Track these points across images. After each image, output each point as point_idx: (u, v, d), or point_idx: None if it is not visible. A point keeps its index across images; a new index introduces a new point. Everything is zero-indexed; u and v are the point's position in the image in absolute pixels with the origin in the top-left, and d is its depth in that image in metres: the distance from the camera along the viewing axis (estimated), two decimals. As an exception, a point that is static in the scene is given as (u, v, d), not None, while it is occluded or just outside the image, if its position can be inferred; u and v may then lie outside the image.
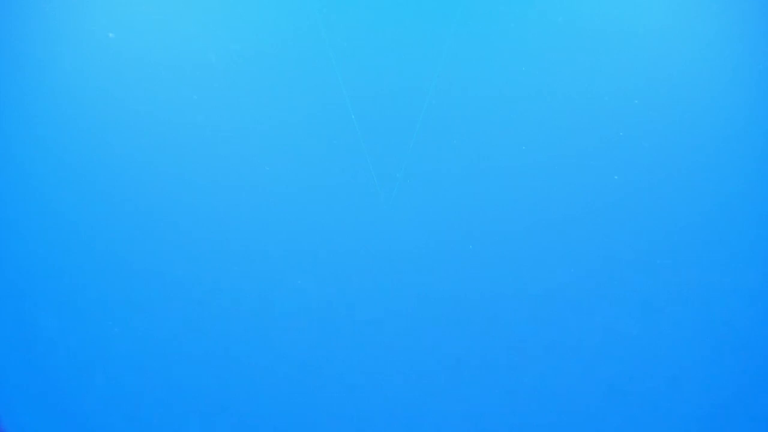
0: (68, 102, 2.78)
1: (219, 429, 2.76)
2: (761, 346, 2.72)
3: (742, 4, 2.74)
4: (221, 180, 2.79)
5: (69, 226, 2.77)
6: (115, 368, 2.76)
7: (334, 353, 2.77)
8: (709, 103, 2.74)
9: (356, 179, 2.78)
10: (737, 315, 2.72)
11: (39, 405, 2.75)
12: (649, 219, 2.75)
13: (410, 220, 2.78)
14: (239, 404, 2.76)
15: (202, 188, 2.78)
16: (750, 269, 2.72)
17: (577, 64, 2.76)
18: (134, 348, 2.77)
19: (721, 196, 2.73)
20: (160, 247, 2.77)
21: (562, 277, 2.75)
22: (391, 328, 2.77)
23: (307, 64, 2.79)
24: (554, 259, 2.76)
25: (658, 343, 2.73)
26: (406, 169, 2.78)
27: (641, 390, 2.73)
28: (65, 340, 2.76)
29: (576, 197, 2.76)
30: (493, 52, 2.78)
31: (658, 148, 2.75)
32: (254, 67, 2.79)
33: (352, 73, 2.78)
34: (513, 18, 2.78)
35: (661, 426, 2.72)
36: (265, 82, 2.79)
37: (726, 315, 2.72)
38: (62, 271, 2.77)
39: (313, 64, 2.78)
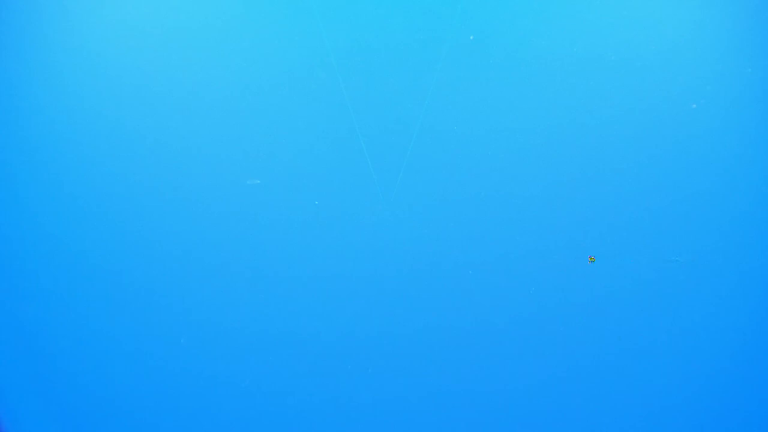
0: (68, 103, 2.79)
1: (218, 430, 2.76)
2: (760, 346, 2.73)
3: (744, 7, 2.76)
4: (219, 182, 2.79)
5: (70, 227, 2.77)
6: (115, 368, 2.76)
7: (333, 354, 2.77)
8: (711, 103, 2.76)
9: (356, 181, 2.79)
10: (740, 315, 2.73)
11: (39, 405, 2.75)
12: (650, 222, 2.75)
13: (411, 222, 2.78)
14: (239, 406, 2.76)
15: (200, 190, 2.78)
16: (751, 269, 2.73)
17: (576, 65, 2.76)
18: (135, 348, 2.76)
19: (722, 197, 2.74)
20: (162, 248, 2.77)
21: (562, 278, 2.75)
22: (390, 329, 2.77)
23: (307, 66, 2.80)
24: (556, 260, 2.76)
25: (661, 346, 2.73)
26: (406, 170, 2.79)
27: (647, 397, 2.73)
28: (65, 341, 2.76)
29: (577, 199, 2.76)
30: (492, 53, 2.78)
31: (658, 151, 2.75)
32: (254, 68, 2.79)
33: (353, 74, 2.79)
34: (512, 18, 2.79)
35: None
36: (264, 84, 2.80)
37: (728, 315, 2.73)
38: (63, 271, 2.77)
39: (313, 66, 2.79)
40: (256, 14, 2.81)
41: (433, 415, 2.75)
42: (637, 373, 2.73)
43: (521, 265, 2.76)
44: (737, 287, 2.72)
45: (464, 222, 2.78)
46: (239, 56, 2.79)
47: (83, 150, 2.79)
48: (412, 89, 2.79)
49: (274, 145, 2.79)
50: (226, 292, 2.77)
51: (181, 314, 2.77)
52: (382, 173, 2.78)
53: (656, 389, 2.73)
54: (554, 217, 2.76)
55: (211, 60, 2.79)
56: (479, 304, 2.77)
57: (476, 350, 2.76)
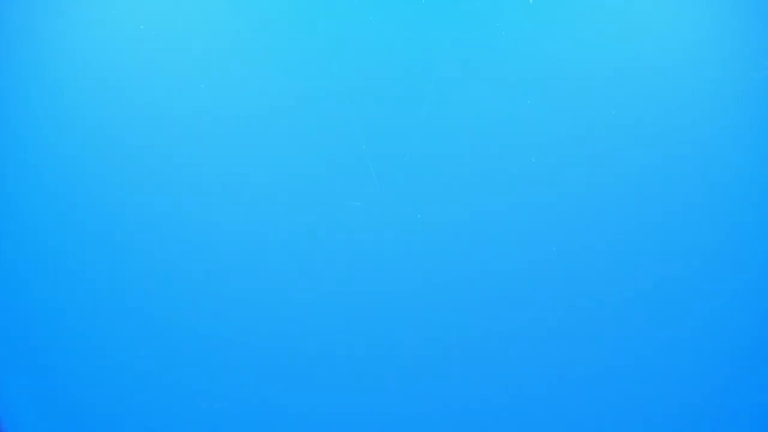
0: (65, 101, 2.78)
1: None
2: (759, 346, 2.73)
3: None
4: (213, 178, 2.78)
5: (70, 225, 2.77)
6: (115, 369, 2.76)
7: (328, 358, 2.77)
8: (713, 102, 2.75)
9: (356, 179, 2.78)
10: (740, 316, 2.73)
11: (39, 405, 2.76)
12: (656, 225, 2.75)
13: (412, 221, 2.78)
14: (237, 407, 2.77)
15: (195, 186, 2.78)
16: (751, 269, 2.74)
17: (580, 62, 2.76)
18: (136, 348, 2.77)
19: (733, 202, 2.74)
20: (159, 245, 2.77)
21: (566, 280, 2.75)
22: (390, 331, 2.77)
23: (306, 63, 2.79)
24: (561, 261, 2.76)
25: (672, 353, 2.74)
26: (407, 169, 2.78)
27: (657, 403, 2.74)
28: (66, 340, 2.76)
29: (581, 201, 2.76)
30: (494, 51, 2.78)
31: (662, 155, 2.75)
32: (253, 65, 2.79)
33: (352, 71, 2.78)
34: (514, 16, 2.78)
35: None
36: (263, 82, 2.79)
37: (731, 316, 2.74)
38: (63, 270, 2.77)
39: (312, 62, 2.78)
40: (255, 10, 2.80)
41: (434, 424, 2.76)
42: (643, 378, 2.74)
43: (523, 267, 2.77)
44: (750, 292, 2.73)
45: (469, 223, 2.78)
46: (237, 51, 2.78)
47: (78, 146, 2.79)
48: (413, 85, 2.78)
49: (273, 141, 2.79)
50: (223, 294, 2.78)
51: (181, 314, 2.78)
52: (382, 175, 2.78)
53: (664, 394, 2.74)
54: (557, 220, 2.76)
55: (212, 63, 2.79)
56: (482, 308, 2.77)
57: (480, 356, 2.76)
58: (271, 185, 2.78)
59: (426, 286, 2.77)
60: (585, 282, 2.75)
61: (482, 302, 2.76)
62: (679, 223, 2.74)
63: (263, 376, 2.77)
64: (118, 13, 2.78)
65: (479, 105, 2.78)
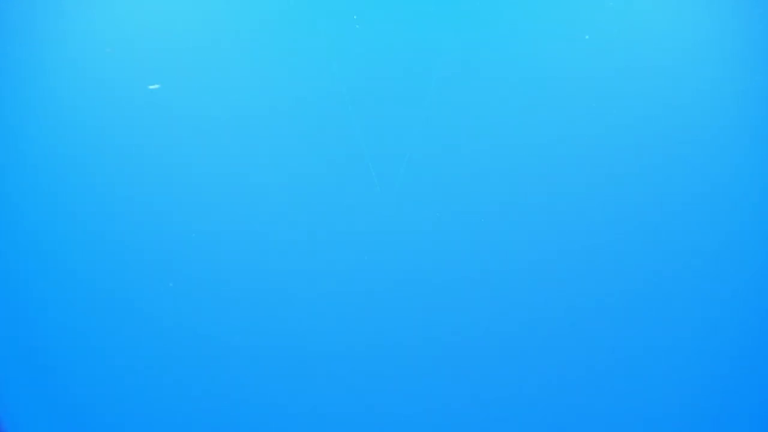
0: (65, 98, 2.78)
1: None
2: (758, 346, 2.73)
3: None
4: (213, 178, 2.77)
5: (70, 224, 2.77)
6: (116, 369, 2.76)
7: (328, 358, 2.76)
8: (713, 101, 2.75)
9: (355, 178, 2.77)
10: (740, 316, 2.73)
11: (39, 405, 2.75)
12: (656, 225, 2.75)
13: (412, 221, 2.78)
14: (236, 408, 2.76)
15: (194, 186, 2.77)
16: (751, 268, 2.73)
17: (580, 62, 2.76)
18: (136, 348, 2.76)
19: (734, 203, 2.73)
20: (159, 245, 2.77)
21: (568, 279, 2.75)
22: (390, 331, 2.77)
23: (306, 63, 2.78)
24: (561, 261, 2.75)
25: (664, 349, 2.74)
26: (407, 167, 2.77)
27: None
28: (66, 340, 2.76)
29: (584, 198, 2.75)
30: (494, 51, 2.77)
31: (664, 151, 2.75)
32: (253, 64, 2.78)
33: (352, 71, 2.78)
34: (515, 16, 2.78)
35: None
36: (263, 81, 2.79)
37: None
38: (63, 270, 2.77)
39: (312, 62, 2.78)
40: (255, 10, 2.80)
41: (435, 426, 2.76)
42: (643, 378, 2.73)
43: (524, 267, 2.76)
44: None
45: (470, 223, 2.77)
46: (237, 51, 2.78)
47: (80, 147, 2.79)
48: (413, 83, 2.78)
49: (272, 141, 2.78)
50: (224, 294, 2.77)
51: (181, 314, 2.77)
52: (382, 175, 2.77)
53: (665, 394, 2.73)
54: (557, 220, 2.76)
55: (212, 63, 2.79)
56: (482, 308, 2.76)
57: (480, 356, 2.75)
58: (270, 185, 2.78)
59: (426, 286, 2.76)
60: (585, 282, 2.75)
61: (482, 302, 2.76)
62: (679, 223, 2.74)
63: (264, 376, 2.76)
64: (118, 13, 2.78)
65: (479, 105, 2.77)
